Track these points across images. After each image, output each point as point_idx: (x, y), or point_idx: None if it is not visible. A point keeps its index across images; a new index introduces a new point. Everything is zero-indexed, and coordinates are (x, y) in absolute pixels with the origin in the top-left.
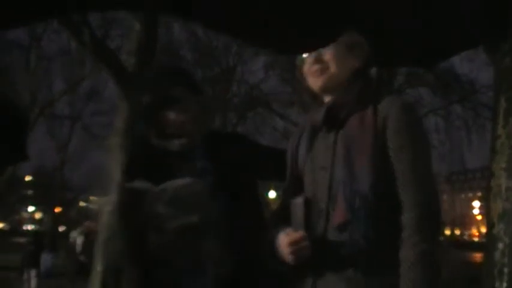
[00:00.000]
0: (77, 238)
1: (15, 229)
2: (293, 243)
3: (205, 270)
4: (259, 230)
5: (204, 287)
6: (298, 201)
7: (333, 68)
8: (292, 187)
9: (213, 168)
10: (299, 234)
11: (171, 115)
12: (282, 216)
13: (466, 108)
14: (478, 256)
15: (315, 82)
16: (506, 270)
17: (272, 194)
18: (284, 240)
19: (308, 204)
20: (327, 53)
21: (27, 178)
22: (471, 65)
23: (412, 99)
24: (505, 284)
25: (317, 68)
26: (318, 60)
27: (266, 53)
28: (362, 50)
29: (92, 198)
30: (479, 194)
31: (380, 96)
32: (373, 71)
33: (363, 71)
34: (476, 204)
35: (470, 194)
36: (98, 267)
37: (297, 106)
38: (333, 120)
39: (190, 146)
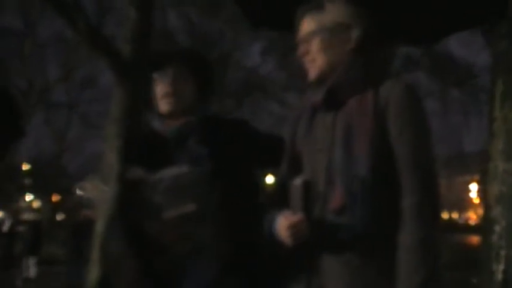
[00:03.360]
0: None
1: (14, 218)
2: (291, 226)
3: (204, 257)
4: (257, 217)
5: (203, 273)
6: (297, 182)
7: (319, 60)
8: (290, 169)
9: (210, 155)
10: (297, 217)
11: (158, 88)
12: (279, 197)
13: (463, 92)
14: (475, 239)
15: (308, 72)
16: (503, 252)
17: (270, 179)
18: (282, 222)
19: (307, 186)
20: (313, 44)
21: (25, 167)
22: (468, 48)
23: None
24: (502, 267)
25: (306, 60)
26: (306, 52)
27: (262, 38)
28: (349, 31)
29: (85, 185)
30: (476, 177)
31: (382, 78)
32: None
33: (364, 51)
34: (473, 187)
35: (468, 177)
36: (95, 255)
37: (293, 91)
38: (333, 101)
39: (186, 129)
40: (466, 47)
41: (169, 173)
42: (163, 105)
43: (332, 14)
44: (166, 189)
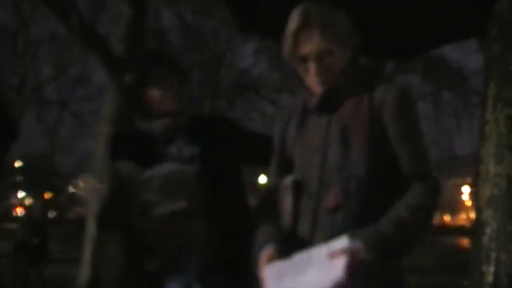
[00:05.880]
0: None
1: (6, 215)
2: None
3: (193, 254)
4: (243, 212)
5: (192, 268)
6: (287, 182)
7: (333, 68)
8: (279, 169)
9: (200, 154)
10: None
11: (152, 93)
12: (271, 200)
13: (455, 95)
14: (466, 241)
15: (314, 81)
16: (493, 255)
17: (263, 179)
18: (264, 262)
19: (297, 185)
20: (326, 59)
21: (17, 164)
22: (461, 51)
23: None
24: (492, 269)
25: (315, 76)
26: (318, 71)
27: (255, 39)
28: (350, 42)
29: (79, 183)
30: (468, 180)
31: (373, 84)
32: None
33: (356, 56)
34: (465, 190)
35: (460, 180)
36: (87, 254)
37: (286, 92)
38: (328, 105)
39: (173, 128)
40: (458, 49)
41: (159, 171)
42: (171, 106)
43: (337, 28)
44: (157, 187)
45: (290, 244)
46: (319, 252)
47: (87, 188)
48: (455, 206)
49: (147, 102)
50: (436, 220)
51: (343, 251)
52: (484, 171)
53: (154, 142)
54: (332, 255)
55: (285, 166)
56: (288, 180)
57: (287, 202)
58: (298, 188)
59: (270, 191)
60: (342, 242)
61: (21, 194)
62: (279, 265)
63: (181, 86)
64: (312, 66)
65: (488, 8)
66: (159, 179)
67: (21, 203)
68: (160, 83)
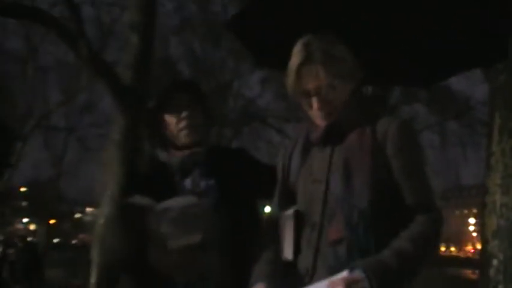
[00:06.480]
0: None
1: (8, 241)
2: None
3: (208, 285)
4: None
5: None
6: (289, 213)
7: (335, 102)
8: (282, 200)
9: (216, 186)
10: None
11: (168, 120)
12: (272, 233)
13: (461, 125)
14: (472, 273)
15: (317, 115)
16: (501, 287)
17: (268, 209)
18: None
19: (299, 216)
20: (329, 94)
21: (22, 189)
22: (467, 81)
23: (408, 116)
24: None
25: (318, 106)
26: (319, 105)
27: (262, 68)
28: (354, 75)
29: (88, 210)
30: (474, 210)
31: (377, 114)
32: (368, 88)
33: (359, 89)
34: (472, 221)
35: (466, 211)
36: (93, 280)
37: (292, 121)
38: (331, 138)
39: (191, 161)
40: (464, 79)
41: (175, 203)
42: (183, 138)
43: (340, 63)
44: (173, 220)
45: (291, 276)
46: (321, 285)
47: (95, 215)
48: (462, 237)
49: (164, 130)
50: (442, 251)
51: (343, 280)
52: (491, 202)
53: (171, 173)
54: (332, 285)
55: (288, 196)
56: (290, 211)
57: (288, 233)
58: (300, 219)
59: (272, 221)
60: (342, 273)
61: (25, 220)
62: None
63: (201, 117)
64: (314, 101)
65: (498, 41)
66: (174, 211)
67: (25, 228)
68: (177, 111)
